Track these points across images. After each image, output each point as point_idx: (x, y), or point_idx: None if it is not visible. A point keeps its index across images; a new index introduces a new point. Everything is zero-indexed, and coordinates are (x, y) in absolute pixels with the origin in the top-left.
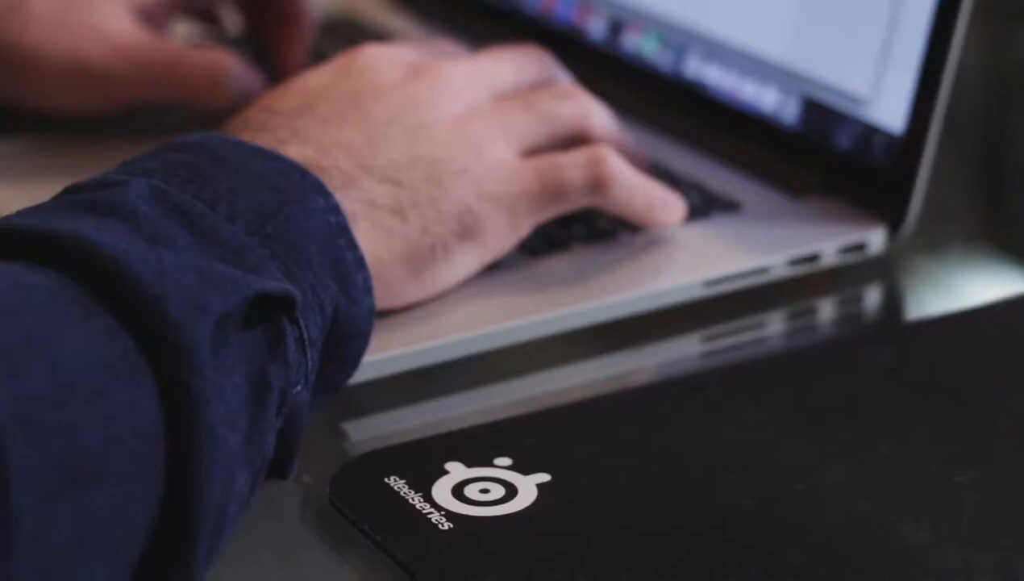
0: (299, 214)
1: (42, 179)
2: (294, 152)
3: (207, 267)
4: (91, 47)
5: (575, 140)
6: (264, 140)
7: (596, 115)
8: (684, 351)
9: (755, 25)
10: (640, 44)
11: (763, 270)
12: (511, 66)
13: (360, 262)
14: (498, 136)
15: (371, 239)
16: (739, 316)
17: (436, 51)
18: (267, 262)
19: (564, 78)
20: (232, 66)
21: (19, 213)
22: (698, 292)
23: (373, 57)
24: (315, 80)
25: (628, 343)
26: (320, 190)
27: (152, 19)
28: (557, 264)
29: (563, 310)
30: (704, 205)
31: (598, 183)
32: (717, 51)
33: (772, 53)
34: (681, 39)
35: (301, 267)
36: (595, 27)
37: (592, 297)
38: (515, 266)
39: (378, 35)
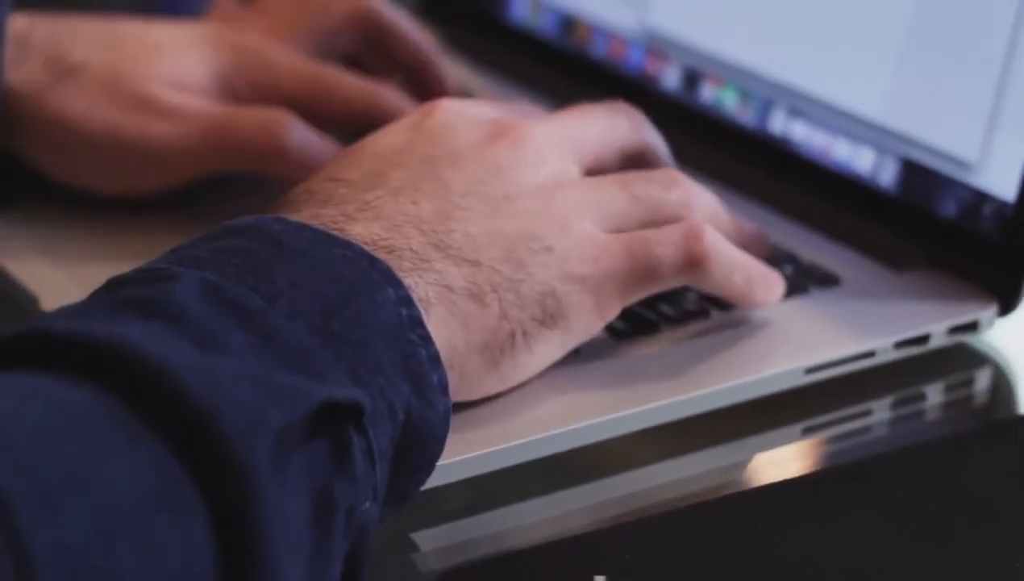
0: (367, 308)
1: (78, 253)
2: (360, 230)
3: (264, 374)
4: (128, 119)
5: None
6: (329, 214)
7: (702, 204)
8: (785, 444)
9: (849, 80)
10: (719, 96)
11: (869, 354)
12: (599, 127)
13: (435, 359)
14: (586, 210)
15: (446, 326)
16: (841, 404)
17: (517, 110)
18: (332, 365)
19: (656, 140)
20: (291, 124)
21: (57, 313)
22: (800, 380)
23: (450, 114)
24: (387, 141)
25: (724, 436)
26: (390, 279)
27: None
28: (645, 350)
29: (653, 403)
30: (801, 279)
31: (695, 261)
32: (805, 107)
33: (868, 110)
34: (765, 92)
35: (369, 370)
36: (669, 76)
37: (685, 388)
38: (599, 352)
39: None
